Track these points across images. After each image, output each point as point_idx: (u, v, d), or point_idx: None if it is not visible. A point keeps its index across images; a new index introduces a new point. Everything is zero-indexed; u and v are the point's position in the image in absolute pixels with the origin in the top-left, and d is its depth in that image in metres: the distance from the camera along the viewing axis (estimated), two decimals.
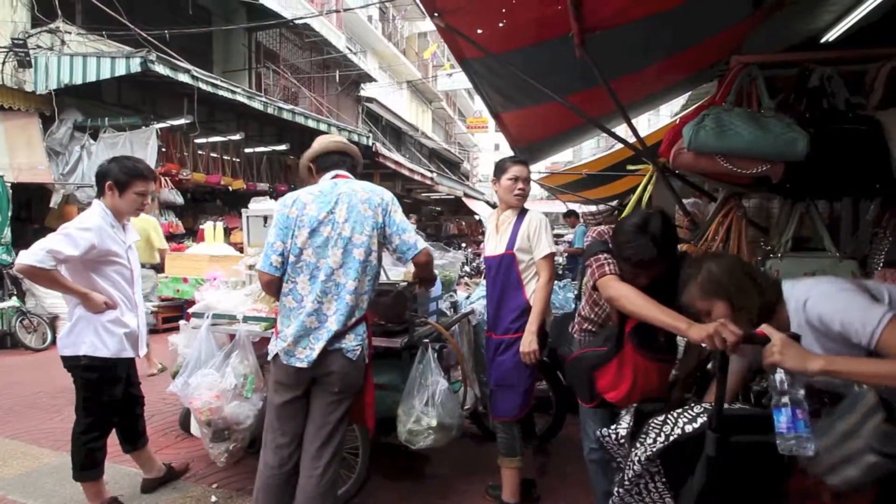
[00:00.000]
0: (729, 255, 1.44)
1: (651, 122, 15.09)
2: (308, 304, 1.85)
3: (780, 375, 1.22)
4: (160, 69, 6.07)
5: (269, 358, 1.96)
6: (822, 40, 2.89)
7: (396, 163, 12.25)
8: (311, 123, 8.99)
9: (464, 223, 19.35)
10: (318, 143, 2.09)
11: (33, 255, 2.04)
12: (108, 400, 2.33)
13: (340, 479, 2.22)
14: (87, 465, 2.32)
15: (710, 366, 1.77)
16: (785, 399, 1.20)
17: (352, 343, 1.88)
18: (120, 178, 2.28)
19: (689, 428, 1.37)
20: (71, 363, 2.27)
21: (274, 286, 1.94)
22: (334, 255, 1.85)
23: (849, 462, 1.21)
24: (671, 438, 1.39)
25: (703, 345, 1.35)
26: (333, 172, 2.01)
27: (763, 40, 2.86)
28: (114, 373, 2.32)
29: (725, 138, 2.06)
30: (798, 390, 1.21)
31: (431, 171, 15.20)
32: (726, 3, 2.34)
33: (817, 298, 1.31)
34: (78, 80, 6.24)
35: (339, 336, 1.85)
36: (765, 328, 1.27)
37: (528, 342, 2.21)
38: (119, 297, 2.32)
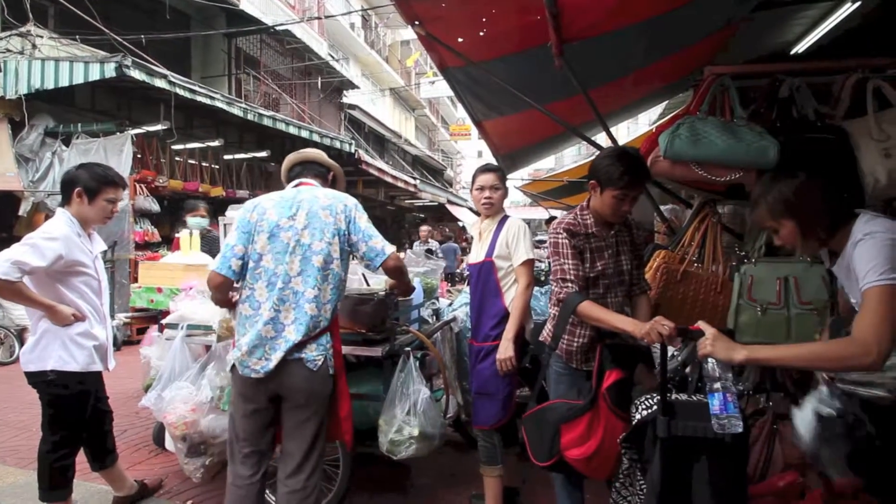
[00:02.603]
0: (803, 176, 1.43)
1: (630, 129, 15.36)
2: (265, 312, 1.80)
3: (712, 364, 1.38)
4: (136, 74, 5.95)
5: (228, 368, 1.92)
6: (792, 52, 2.99)
7: (380, 170, 12.22)
8: (292, 130, 8.91)
9: (447, 230, 19.37)
10: (285, 161, 2.11)
11: None
12: (77, 416, 2.25)
13: (322, 493, 2.16)
14: (55, 484, 2.22)
15: None
16: (717, 385, 1.37)
17: (313, 353, 1.82)
18: (90, 185, 2.21)
19: (645, 413, 1.49)
20: (37, 379, 2.18)
21: (224, 288, 1.91)
22: (292, 262, 1.81)
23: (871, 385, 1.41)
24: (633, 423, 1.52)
25: (644, 340, 1.53)
26: (296, 181, 2.02)
27: (736, 52, 2.95)
28: (83, 387, 2.23)
29: (700, 146, 2.10)
30: (728, 377, 1.37)
31: (415, 178, 15.20)
32: (700, 16, 2.40)
33: (863, 245, 1.33)
34: (50, 85, 6.06)
35: (299, 346, 1.80)
36: (700, 324, 1.42)
37: (504, 349, 2.20)
38: (87, 309, 2.24)
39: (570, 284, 1.82)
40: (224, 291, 1.94)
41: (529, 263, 2.26)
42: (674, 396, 1.48)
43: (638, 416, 1.51)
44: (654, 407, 1.47)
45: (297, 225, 1.83)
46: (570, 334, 1.93)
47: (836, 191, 1.41)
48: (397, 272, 1.97)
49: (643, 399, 1.54)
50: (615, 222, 1.90)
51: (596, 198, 1.86)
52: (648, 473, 1.47)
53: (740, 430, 1.33)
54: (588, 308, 1.76)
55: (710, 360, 1.38)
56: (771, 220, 1.46)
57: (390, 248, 1.88)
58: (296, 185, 1.99)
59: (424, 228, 9.70)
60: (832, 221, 1.40)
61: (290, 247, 1.82)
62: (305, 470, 1.85)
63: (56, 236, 2.09)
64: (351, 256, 1.96)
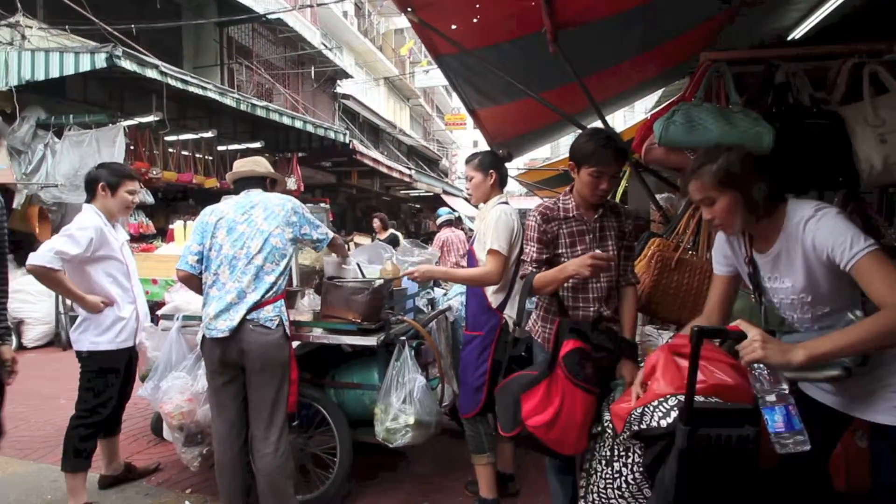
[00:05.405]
0: (745, 149, 1.42)
1: (626, 118, 15.31)
2: (231, 286, 2.15)
3: (762, 372, 1.16)
4: (127, 64, 5.87)
5: (199, 345, 2.24)
6: (789, 38, 2.96)
7: (374, 160, 12.16)
8: (285, 121, 8.83)
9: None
10: (229, 176, 2.50)
11: (42, 256, 2.20)
12: (104, 392, 2.45)
13: (306, 474, 2.30)
14: (79, 453, 2.37)
15: None
16: (771, 397, 1.16)
17: (269, 314, 2.14)
18: (111, 179, 2.50)
19: (663, 423, 1.33)
20: (78, 356, 2.48)
21: (191, 282, 2.30)
22: (255, 245, 2.18)
23: (824, 368, 1.27)
24: (643, 430, 1.40)
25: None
26: (246, 190, 2.40)
27: (733, 38, 2.92)
28: (111, 364, 2.46)
29: (694, 133, 2.09)
30: (783, 386, 1.17)
31: (410, 169, 15.15)
32: (696, 1, 2.37)
33: (819, 221, 1.30)
34: (40, 77, 5.97)
35: (257, 307, 2.13)
36: (740, 324, 1.22)
37: (419, 268, 2.37)
38: (117, 292, 2.48)
39: (529, 266, 1.92)
40: (191, 283, 2.31)
41: (492, 253, 2.19)
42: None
43: (654, 424, 1.36)
44: (672, 414, 1.31)
45: (255, 217, 2.22)
46: (550, 322, 1.96)
47: (775, 168, 1.42)
48: (338, 249, 2.61)
49: (658, 403, 1.38)
50: (596, 203, 1.91)
51: (576, 179, 1.89)
52: (658, 477, 1.36)
53: (808, 447, 1.14)
54: (539, 279, 1.84)
55: (757, 365, 1.17)
56: (712, 190, 1.39)
57: (331, 234, 2.44)
58: (247, 192, 2.37)
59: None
60: (772, 197, 1.37)
61: (247, 234, 2.19)
62: (272, 434, 2.12)
63: (87, 226, 2.37)
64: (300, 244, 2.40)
